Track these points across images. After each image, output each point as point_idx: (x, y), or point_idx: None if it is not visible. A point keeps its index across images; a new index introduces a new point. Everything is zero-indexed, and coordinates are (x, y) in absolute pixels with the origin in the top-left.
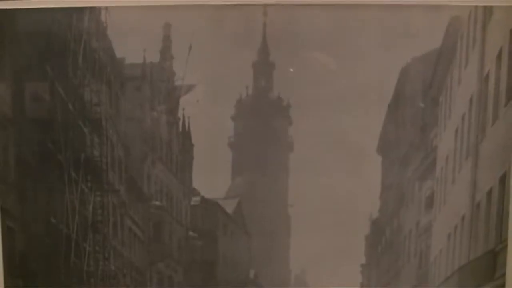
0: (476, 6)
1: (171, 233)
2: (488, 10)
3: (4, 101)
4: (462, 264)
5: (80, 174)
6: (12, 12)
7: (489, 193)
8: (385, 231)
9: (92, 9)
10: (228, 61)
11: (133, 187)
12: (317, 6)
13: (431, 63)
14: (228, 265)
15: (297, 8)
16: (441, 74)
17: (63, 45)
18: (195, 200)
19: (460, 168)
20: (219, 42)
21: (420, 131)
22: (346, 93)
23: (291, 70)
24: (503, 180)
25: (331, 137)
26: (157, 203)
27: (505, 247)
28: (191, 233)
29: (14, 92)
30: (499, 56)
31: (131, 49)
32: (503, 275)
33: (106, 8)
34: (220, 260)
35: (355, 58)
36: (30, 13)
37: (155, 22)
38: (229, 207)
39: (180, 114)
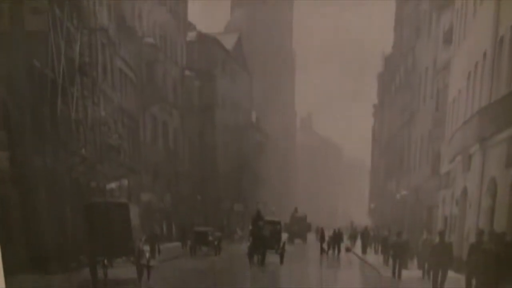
0: None
1: (166, 73)
2: None
3: None
4: (482, 106)
5: (65, 11)
6: None
7: None
8: (399, 69)
9: None
10: None
11: (123, 23)
12: None
13: None
14: (228, 108)
15: None
16: None
17: None
18: (191, 35)
19: None
20: None
21: None
22: None
23: None
24: None
25: None
26: (150, 40)
27: None
28: (187, 72)
29: None
30: None
31: None
32: None
33: None
34: (219, 102)
35: None
36: None
37: None
38: (229, 42)
39: None
